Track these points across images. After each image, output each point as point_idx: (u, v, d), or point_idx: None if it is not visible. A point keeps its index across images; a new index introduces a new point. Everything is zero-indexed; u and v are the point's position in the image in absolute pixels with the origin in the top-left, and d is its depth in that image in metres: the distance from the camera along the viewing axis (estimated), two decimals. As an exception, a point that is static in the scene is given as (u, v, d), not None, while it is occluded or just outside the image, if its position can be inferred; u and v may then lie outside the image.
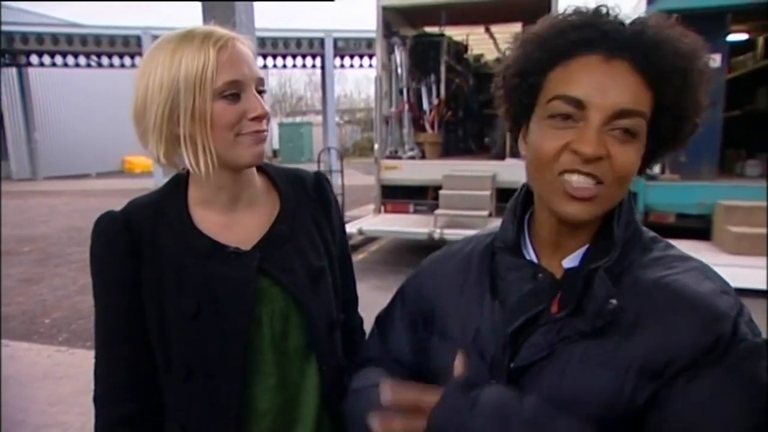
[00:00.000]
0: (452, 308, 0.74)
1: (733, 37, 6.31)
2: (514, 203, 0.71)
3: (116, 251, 0.78)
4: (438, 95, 6.90)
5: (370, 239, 7.28)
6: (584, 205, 0.57)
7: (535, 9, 5.71)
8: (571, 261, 0.65)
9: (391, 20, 6.48)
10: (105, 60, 15.11)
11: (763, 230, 4.90)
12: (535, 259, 0.68)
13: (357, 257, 6.75)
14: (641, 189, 5.77)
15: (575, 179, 0.57)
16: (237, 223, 0.82)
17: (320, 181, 0.92)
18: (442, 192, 6.06)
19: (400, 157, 6.72)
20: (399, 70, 6.58)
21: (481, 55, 9.03)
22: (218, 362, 0.78)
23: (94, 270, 0.80)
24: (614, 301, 0.57)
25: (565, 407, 0.57)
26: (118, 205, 0.82)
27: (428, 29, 7.28)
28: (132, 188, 10.81)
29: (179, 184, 0.83)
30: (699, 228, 5.61)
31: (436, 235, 5.59)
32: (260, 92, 0.77)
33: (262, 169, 0.87)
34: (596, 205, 0.58)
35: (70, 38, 14.08)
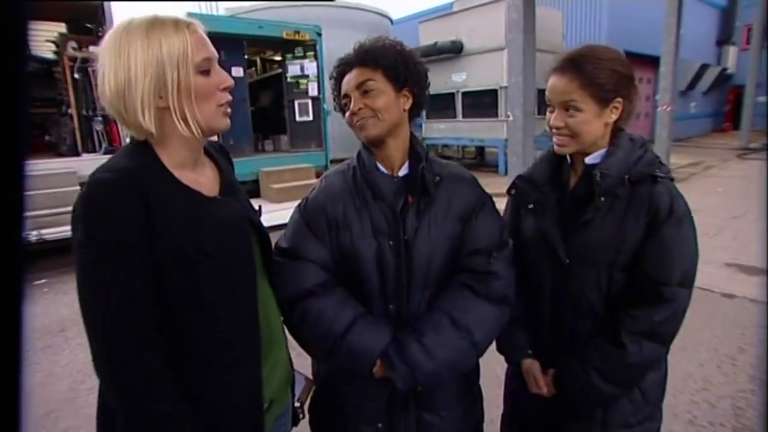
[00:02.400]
0: (350, 211, 1.09)
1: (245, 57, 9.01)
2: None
3: (129, 213, 0.77)
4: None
5: None
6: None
7: (81, 11, 6.18)
8: (403, 170, 1.13)
9: None
10: None
11: (292, 183, 7.62)
12: (387, 172, 1.12)
13: None
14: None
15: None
16: (202, 178, 0.93)
17: (223, 146, 1.11)
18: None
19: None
20: None
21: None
22: (237, 288, 0.90)
23: (101, 244, 0.76)
24: (438, 178, 1.09)
25: (435, 254, 1.06)
26: None
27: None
28: None
29: (144, 151, 0.86)
30: (252, 189, 7.89)
31: (33, 237, 5.35)
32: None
33: None
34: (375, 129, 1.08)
35: None
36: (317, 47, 8.43)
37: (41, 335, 3.76)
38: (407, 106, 1.12)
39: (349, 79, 1.09)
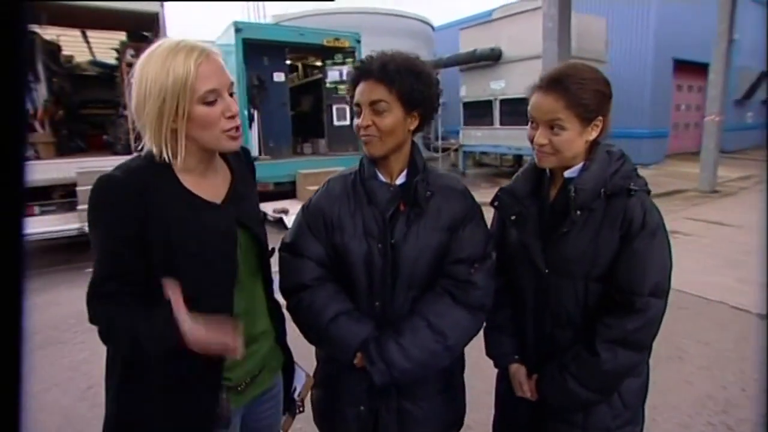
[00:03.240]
0: (344, 214, 1.19)
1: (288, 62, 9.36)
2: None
3: (124, 209, 0.92)
4: (42, 94, 6.70)
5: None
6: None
7: (140, 21, 6.68)
8: (401, 178, 1.20)
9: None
10: None
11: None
12: (385, 180, 1.20)
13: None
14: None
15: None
16: (209, 184, 1.04)
17: (247, 153, 1.20)
18: (80, 188, 6.15)
19: (11, 160, 6.20)
20: (-9, 66, 6.02)
21: (72, 57, 8.90)
22: (213, 288, 1.01)
23: (98, 220, 0.95)
24: (429, 193, 1.16)
25: (420, 260, 1.14)
26: None
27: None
28: None
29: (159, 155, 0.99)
30: (289, 190, 8.20)
31: (87, 229, 5.80)
32: (231, 94, 0.98)
33: None
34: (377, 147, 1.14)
35: None
36: (356, 54, 8.65)
37: (86, 318, 4.07)
38: (413, 127, 1.18)
39: (363, 91, 1.13)
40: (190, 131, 0.95)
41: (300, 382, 1.31)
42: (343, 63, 8.79)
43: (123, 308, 0.96)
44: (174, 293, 0.91)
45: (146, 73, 0.92)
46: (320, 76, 9.31)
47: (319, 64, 9.88)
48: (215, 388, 1.05)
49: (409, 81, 1.11)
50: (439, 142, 13.35)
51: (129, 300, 0.96)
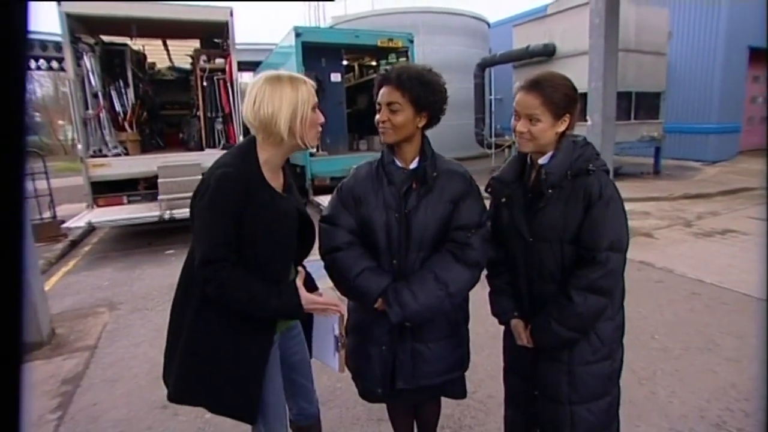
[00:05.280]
0: (369, 191, 1.53)
1: (344, 63, 9.83)
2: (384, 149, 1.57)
3: (237, 197, 1.29)
4: (130, 98, 7.60)
5: (86, 234, 7.44)
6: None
7: (212, 29, 7.39)
8: (414, 164, 1.52)
9: (74, 27, 6.76)
10: None
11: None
12: (402, 165, 1.53)
13: (83, 249, 6.90)
14: (307, 163, 8.42)
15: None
16: (276, 177, 1.43)
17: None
18: (160, 180, 6.92)
19: (105, 155, 7.10)
20: (91, 76, 6.94)
21: (154, 64, 9.89)
22: (284, 251, 1.42)
23: (216, 203, 1.29)
24: (435, 174, 1.48)
25: (428, 227, 1.45)
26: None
27: (107, 38, 7.78)
28: None
29: (251, 150, 1.38)
30: (344, 185, 8.62)
31: (167, 216, 6.55)
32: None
33: None
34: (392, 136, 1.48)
35: None
36: (409, 53, 8.96)
37: (168, 291, 4.76)
38: (421, 124, 1.51)
39: (383, 94, 1.48)
40: (303, 130, 1.37)
41: (336, 322, 1.58)
42: (397, 62, 9.12)
43: (243, 272, 1.31)
44: (300, 278, 1.44)
45: (278, 90, 1.34)
46: (375, 75, 9.64)
47: (374, 64, 10.28)
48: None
49: (419, 88, 1.44)
50: (493, 138, 13.35)
51: (235, 263, 1.30)
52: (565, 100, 1.41)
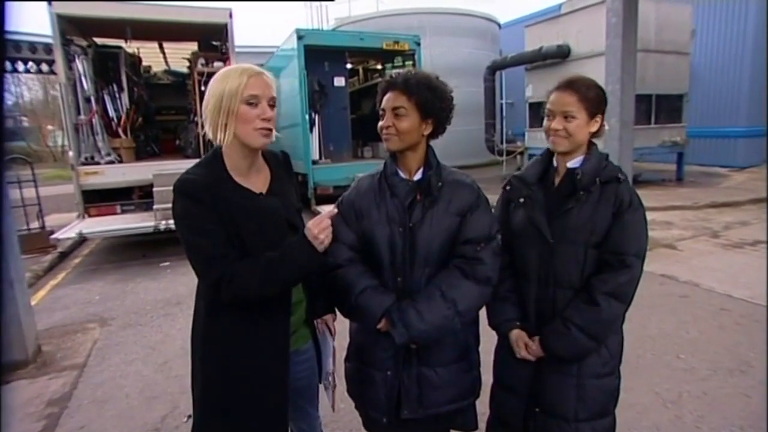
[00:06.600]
0: (371, 205, 1.44)
1: (349, 66, 9.47)
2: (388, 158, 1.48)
3: (203, 204, 1.21)
4: (125, 103, 7.31)
5: (76, 245, 7.11)
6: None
7: (210, 31, 7.08)
8: (418, 175, 1.44)
9: (65, 28, 6.49)
10: None
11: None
12: (405, 177, 1.45)
13: (73, 262, 6.59)
14: (309, 171, 8.08)
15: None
16: (253, 180, 1.34)
17: (287, 156, 1.50)
18: (156, 189, 6.61)
19: (98, 163, 6.81)
20: (83, 79, 6.66)
21: (150, 67, 9.63)
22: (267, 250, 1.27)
23: (184, 214, 1.21)
24: (440, 184, 1.39)
25: (434, 241, 1.36)
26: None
27: (101, 40, 7.51)
28: None
29: (216, 158, 1.30)
30: (348, 193, 8.32)
31: (162, 226, 6.21)
32: (271, 106, 1.26)
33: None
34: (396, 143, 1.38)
35: None
36: (415, 56, 8.59)
37: (162, 306, 4.54)
38: (427, 132, 1.41)
39: (389, 99, 1.38)
40: (235, 126, 1.23)
41: (330, 355, 1.57)
42: (403, 66, 8.75)
43: (246, 260, 1.23)
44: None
45: (213, 82, 1.25)
46: (380, 79, 9.35)
47: (379, 67, 9.94)
48: (286, 312, 1.35)
49: (426, 93, 1.36)
50: (504, 144, 12.93)
51: (236, 258, 1.23)
52: (597, 99, 1.45)
